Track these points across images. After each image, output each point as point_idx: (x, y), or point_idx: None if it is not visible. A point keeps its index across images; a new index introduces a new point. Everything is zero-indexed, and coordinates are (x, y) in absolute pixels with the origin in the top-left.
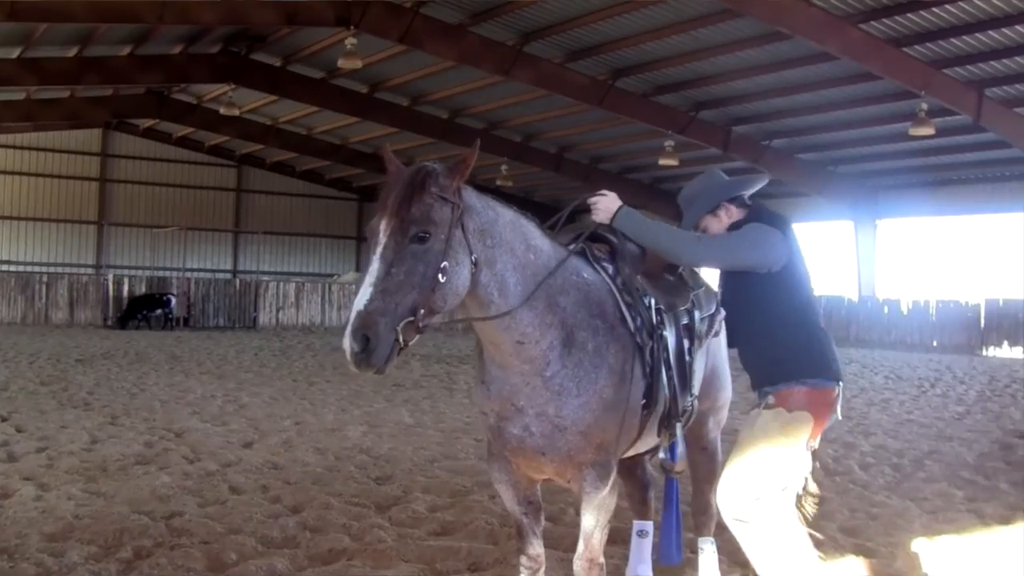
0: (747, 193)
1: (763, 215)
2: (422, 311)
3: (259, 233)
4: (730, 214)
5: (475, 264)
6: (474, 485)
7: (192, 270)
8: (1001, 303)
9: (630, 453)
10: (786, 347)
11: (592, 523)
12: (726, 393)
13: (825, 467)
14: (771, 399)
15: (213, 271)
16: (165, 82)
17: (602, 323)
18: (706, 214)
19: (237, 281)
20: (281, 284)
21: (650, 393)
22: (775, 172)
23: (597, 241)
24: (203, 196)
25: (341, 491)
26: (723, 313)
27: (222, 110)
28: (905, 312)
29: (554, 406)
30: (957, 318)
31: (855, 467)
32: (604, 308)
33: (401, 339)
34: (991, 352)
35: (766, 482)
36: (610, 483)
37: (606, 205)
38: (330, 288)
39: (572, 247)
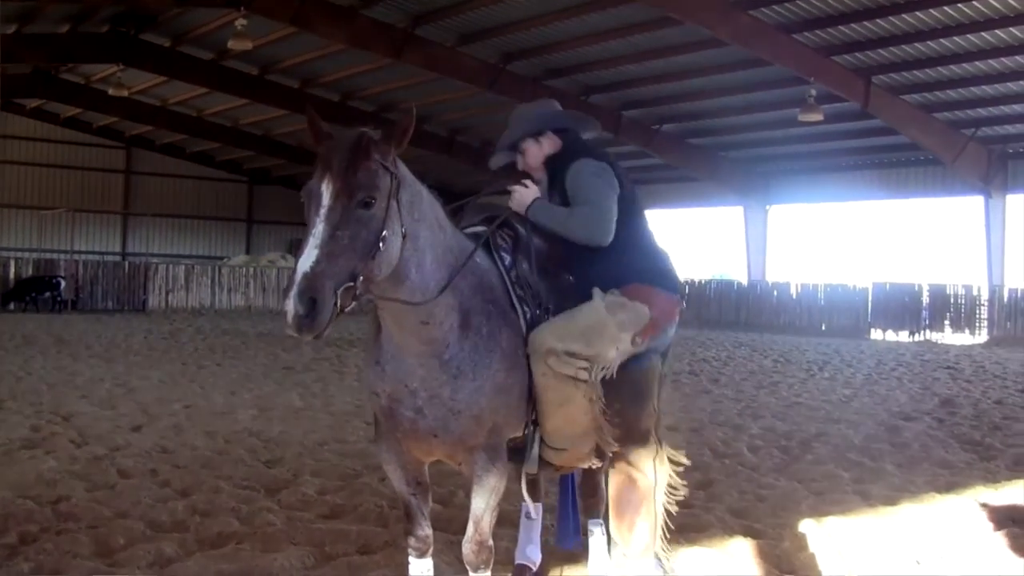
0: (577, 131)
1: (589, 150)
2: (361, 278)
3: (149, 215)
4: (552, 144)
5: (404, 236)
6: (364, 468)
7: (80, 252)
8: (888, 287)
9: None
10: (635, 262)
11: (482, 506)
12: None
13: (714, 449)
14: (616, 291)
15: (102, 253)
16: (52, 61)
17: (495, 308)
18: (529, 137)
19: (126, 264)
20: (171, 267)
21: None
22: (666, 157)
23: (503, 228)
24: (92, 177)
25: (231, 474)
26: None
27: (111, 91)
28: (794, 296)
29: (449, 389)
30: (845, 302)
31: (744, 449)
32: (496, 294)
33: (339, 303)
34: (878, 336)
35: (579, 340)
36: (500, 466)
37: (522, 196)
38: (220, 271)
39: (480, 232)
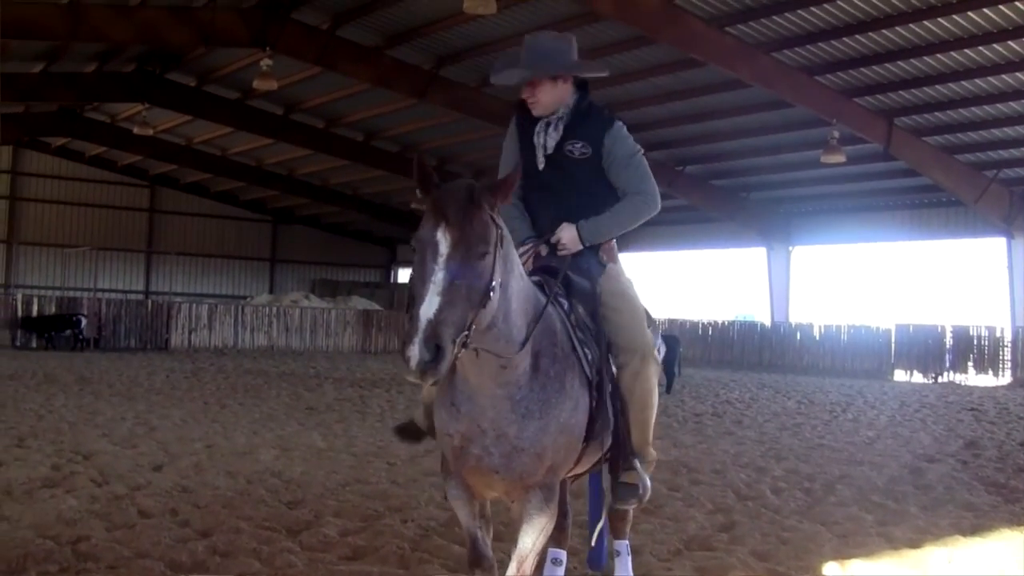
0: (587, 75)
1: (600, 108)
2: (473, 327)
3: (172, 254)
4: (566, 87)
5: (494, 289)
6: (386, 509)
7: (104, 290)
8: (911, 329)
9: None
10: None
11: (529, 545)
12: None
13: (737, 491)
14: (604, 256)
15: (125, 292)
16: (78, 100)
17: (560, 351)
18: (547, 77)
19: (149, 302)
20: (194, 305)
21: (591, 425)
22: (689, 198)
23: (550, 274)
24: (116, 216)
25: (251, 515)
26: (661, 343)
27: (136, 129)
28: (817, 337)
29: (516, 428)
30: (868, 344)
31: (767, 491)
32: (560, 338)
33: (455, 351)
34: (901, 377)
35: (649, 332)
36: (553, 507)
37: (569, 236)
38: (243, 310)
39: (539, 280)
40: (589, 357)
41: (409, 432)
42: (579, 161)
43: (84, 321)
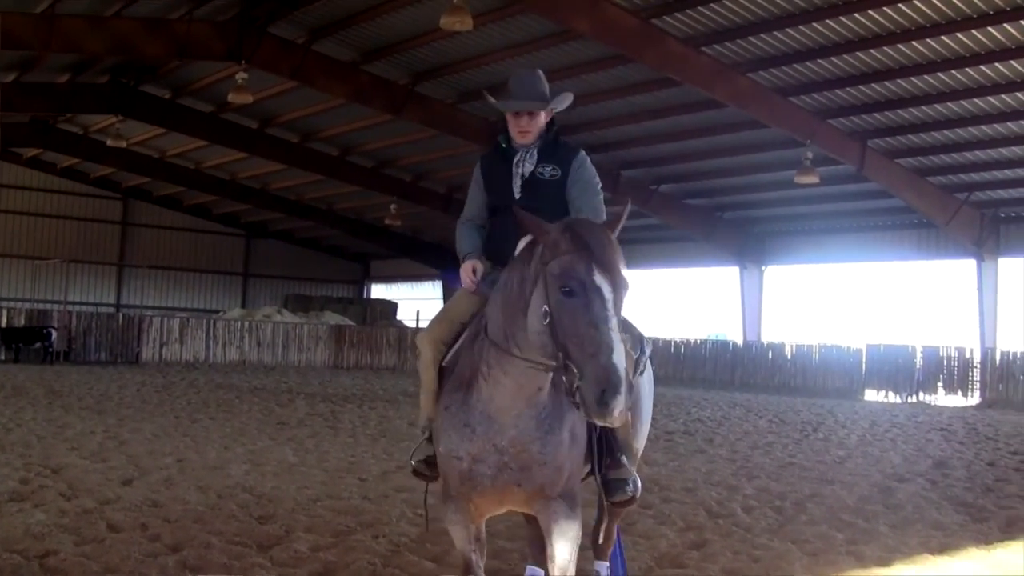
0: (558, 108)
1: (565, 139)
2: None
3: (144, 267)
4: (549, 117)
5: (546, 314)
6: (357, 525)
7: (74, 303)
8: (882, 349)
9: None
10: None
11: (567, 556)
12: (645, 427)
13: (708, 510)
14: None
15: (96, 304)
16: (51, 111)
17: None
18: (540, 109)
19: (120, 315)
20: (165, 319)
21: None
22: (663, 217)
23: None
24: (88, 228)
25: (222, 530)
26: (648, 355)
27: (109, 141)
28: (789, 356)
29: (539, 444)
30: (839, 363)
31: (738, 510)
32: None
33: None
34: (872, 397)
35: None
36: (579, 514)
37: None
38: (215, 324)
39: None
40: None
41: (430, 465)
42: (549, 182)
43: (54, 334)
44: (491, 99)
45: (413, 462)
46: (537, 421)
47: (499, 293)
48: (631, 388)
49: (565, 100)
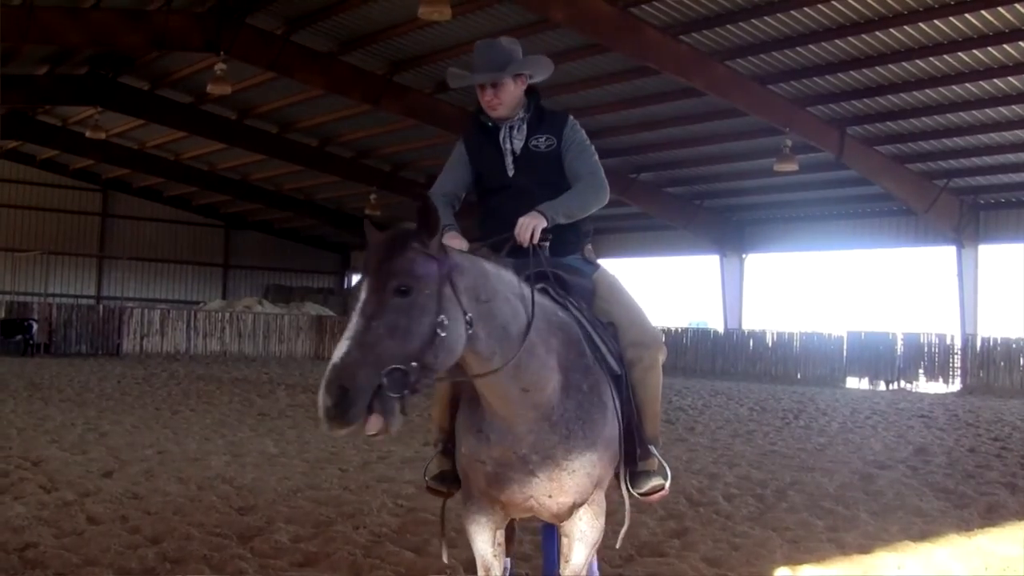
0: (544, 74)
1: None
2: (414, 364)
3: (124, 259)
4: (522, 87)
5: (469, 323)
6: (338, 516)
7: (55, 295)
8: (863, 336)
9: None
10: (587, 219)
11: (581, 562)
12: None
13: (689, 498)
14: (590, 249)
15: (76, 296)
16: (29, 103)
17: (587, 362)
18: (510, 76)
19: (101, 307)
20: (146, 311)
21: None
22: (643, 206)
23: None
24: (67, 220)
25: (203, 521)
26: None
27: (88, 133)
28: (770, 344)
29: (563, 449)
30: (820, 351)
31: (719, 498)
32: (583, 347)
33: (390, 392)
34: (853, 384)
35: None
36: (603, 520)
37: (530, 219)
38: (196, 315)
39: (535, 287)
40: (613, 354)
41: (445, 480)
42: (546, 154)
43: (35, 326)
44: (453, 69)
45: (427, 479)
46: (550, 424)
47: None
48: (352, 392)
49: (538, 65)
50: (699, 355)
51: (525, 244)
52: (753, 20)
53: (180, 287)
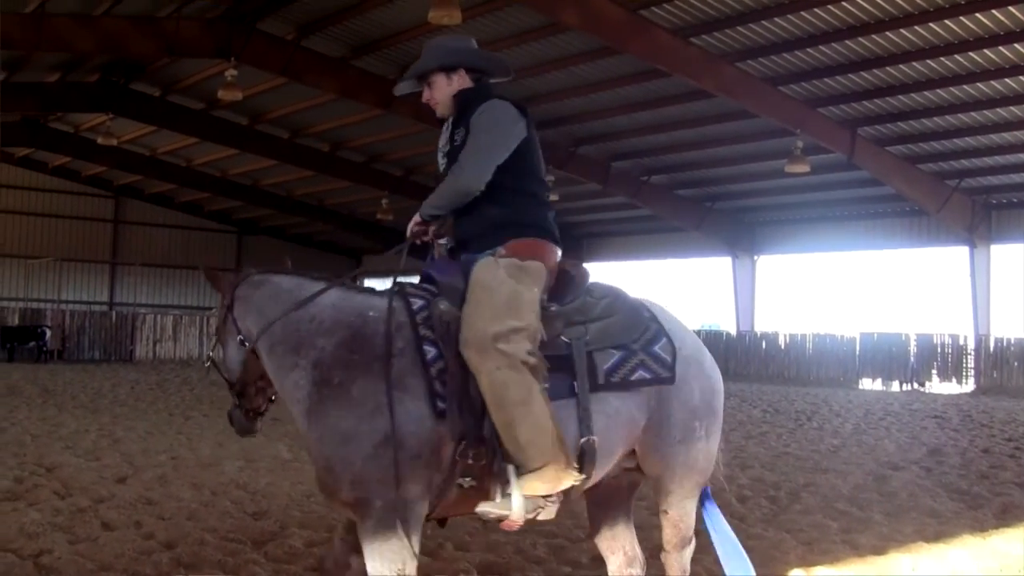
0: (489, 72)
1: (491, 90)
2: (234, 384)
3: (136, 265)
4: (462, 82)
5: (242, 343)
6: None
7: (68, 302)
8: (876, 337)
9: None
10: (522, 211)
11: (371, 572)
12: (690, 454)
13: (702, 500)
14: (502, 250)
15: (89, 303)
16: (42, 110)
17: (361, 358)
18: (440, 71)
19: (113, 313)
20: (159, 317)
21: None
22: (654, 208)
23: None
24: (80, 227)
25: (216, 527)
26: (618, 357)
27: (100, 140)
28: (783, 346)
29: (311, 440)
30: (833, 352)
31: (732, 499)
32: (373, 342)
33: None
34: (867, 385)
35: (511, 315)
36: (386, 531)
37: (411, 221)
38: (208, 321)
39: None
40: (430, 356)
41: None
42: (461, 147)
43: (48, 333)
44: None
45: None
46: (303, 418)
47: None
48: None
49: (481, 58)
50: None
51: (417, 242)
52: (764, 21)
53: (192, 293)
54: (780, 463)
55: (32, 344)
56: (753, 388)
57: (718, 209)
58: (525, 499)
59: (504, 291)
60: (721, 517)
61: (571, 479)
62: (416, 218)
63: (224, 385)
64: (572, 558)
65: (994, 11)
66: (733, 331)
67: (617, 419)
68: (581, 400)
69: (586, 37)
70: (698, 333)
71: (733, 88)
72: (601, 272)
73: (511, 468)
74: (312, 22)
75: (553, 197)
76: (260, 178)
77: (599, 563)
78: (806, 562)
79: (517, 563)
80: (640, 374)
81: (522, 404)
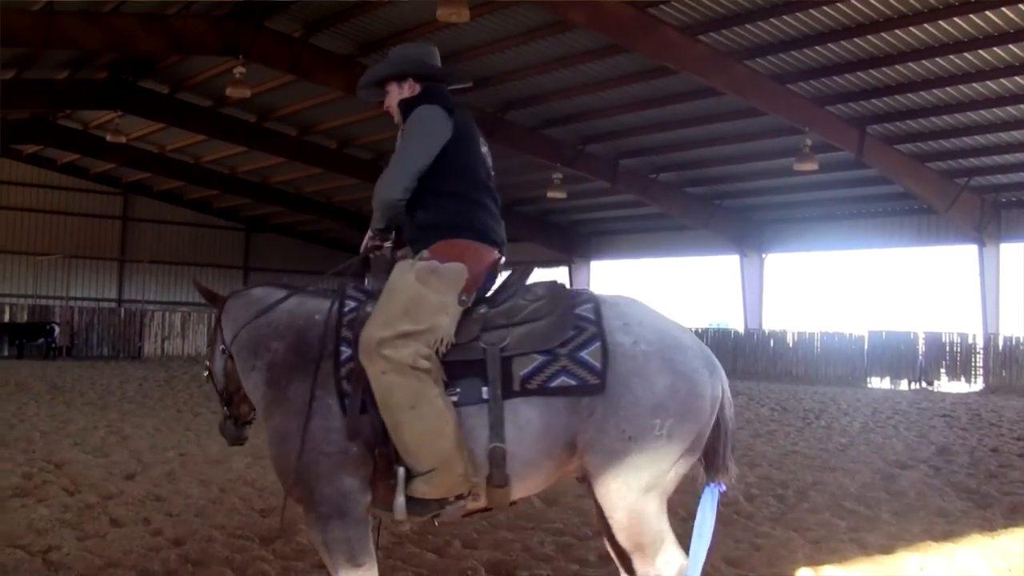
0: (441, 80)
1: (438, 97)
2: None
3: (145, 262)
4: (411, 90)
5: (223, 351)
6: None
7: (76, 299)
8: (884, 336)
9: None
10: (446, 213)
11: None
12: (644, 453)
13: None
14: (425, 253)
15: (97, 300)
16: (50, 107)
17: (299, 360)
18: (393, 79)
19: (122, 310)
20: (167, 314)
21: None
22: (663, 206)
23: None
24: (88, 224)
25: (224, 523)
26: (539, 363)
27: (108, 137)
28: (791, 344)
29: (266, 440)
30: (841, 351)
31: (740, 498)
32: (311, 344)
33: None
34: (875, 384)
35: (405, 320)
36: (327, 526)
37: (364, 240)
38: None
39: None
40: (343, 356)
41: None
42: None
43: (56, 329)
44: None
45: None
46: (264, 420)
47: None
48: None
49: (429, 68)
50: (719, 356)
51: (371, 256)
52: (772, 19)
53: None
54: (788, 461)
55: (41, 341)
56: (761, 386)
57: (726, 207)
58: (410, 500)
59: (405, 295)
60: (710, 520)
61: (465, 487)
62: (368, 233)
63: (217, 397)
64: (579, 556)
65: (1003, 8)
66: (741, 329)
67: (532, 427)
68: (492, 407)
69: (593, 35)
70: (706, 331)
71: (741, 86)
72: (609, 270)
73: (401, 470)
74: (320, 19)
75: (560, 195)
76: (268, 175)
77: (606, 561)
78: (814, 561)
79: (524, 561)
80: (562, 380)
81: (409, 408)
